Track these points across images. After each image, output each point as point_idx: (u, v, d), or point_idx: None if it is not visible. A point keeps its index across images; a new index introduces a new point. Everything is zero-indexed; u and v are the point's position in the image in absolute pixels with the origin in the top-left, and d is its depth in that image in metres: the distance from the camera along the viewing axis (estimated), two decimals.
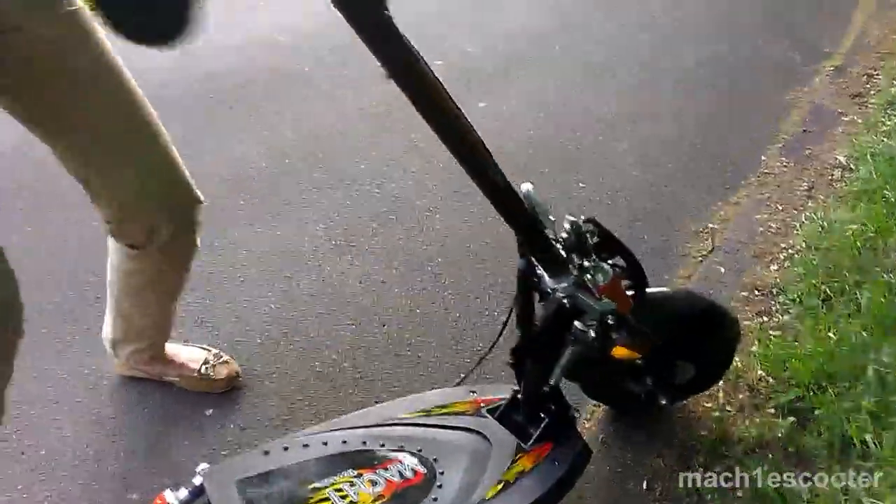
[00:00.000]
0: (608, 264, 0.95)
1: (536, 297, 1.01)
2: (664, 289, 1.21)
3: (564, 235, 0.94)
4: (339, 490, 0.90)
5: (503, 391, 1.13)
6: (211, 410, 1.37)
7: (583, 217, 0.94)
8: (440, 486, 0.96)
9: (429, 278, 1.73)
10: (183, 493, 0.91)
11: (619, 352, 1.04)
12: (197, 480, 0.91)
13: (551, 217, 0.93)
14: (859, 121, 2.41)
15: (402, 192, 2.04)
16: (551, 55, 2.88)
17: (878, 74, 2.76)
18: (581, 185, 2.10)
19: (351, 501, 0.90)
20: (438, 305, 1.65)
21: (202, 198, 1.14)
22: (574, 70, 2.76)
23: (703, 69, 2.80)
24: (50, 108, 0.97)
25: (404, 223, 1.92)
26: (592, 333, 0.95)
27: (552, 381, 1.04)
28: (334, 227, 1.90)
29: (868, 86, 2.69)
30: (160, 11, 0.62)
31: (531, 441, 1.05)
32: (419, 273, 1.75)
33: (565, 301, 0.94)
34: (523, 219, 0.90)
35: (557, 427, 1.07)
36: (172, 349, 1.39)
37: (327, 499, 0.89)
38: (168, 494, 0.90)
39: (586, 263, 0.92)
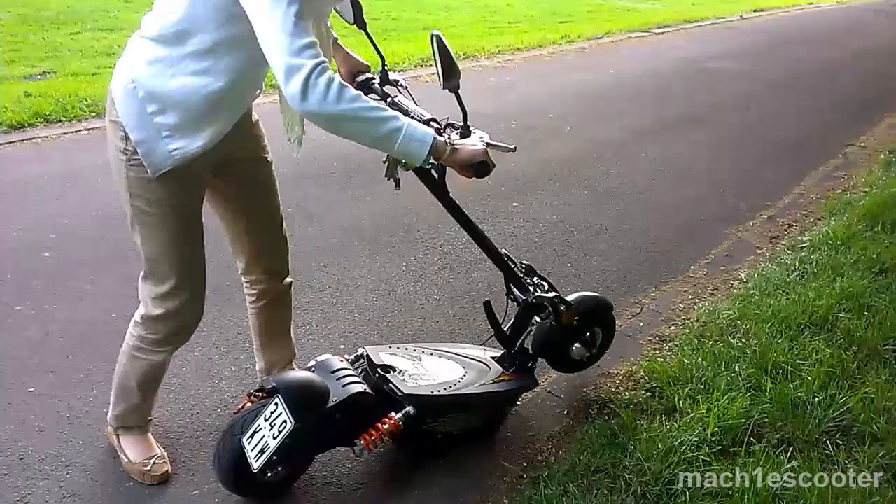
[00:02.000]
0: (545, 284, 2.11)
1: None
2: (595, 293, 2.34)
3: (524, 267, 2.10)
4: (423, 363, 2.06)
5: (500, 350, 2.26)
6: (343, 346, 2.53)
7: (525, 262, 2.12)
8: (463, 377, 2.08)
9: (466, 301, 2.91)
10: (351, 356, 2.05)
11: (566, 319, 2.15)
12: (360, 351, 2.05)
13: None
14: (767, 254, 3.56)
15: (449, 247, 3.25)
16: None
17: (796, 225, 3.92)
18: (569, 265, 3.28)
19: (426, 368, 2.04)
20: (469, 309, 2.81)
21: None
22: (581, 193, 4.00)
23: (671, 206, 4.02)
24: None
25: (455, 269, 3.11)
26: (548, 320, 2.10)
27: (520, 344, 2.16)
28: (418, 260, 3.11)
29: (786, 232, 3.84)
30: None
31: (510, 370, 2.17)
32: (460, 298, 2.93)
33: (534, 300, 2.09)
34: (508, 270, 2.05)
35: (523, 369, 2.20)
36: None
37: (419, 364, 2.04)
38: (346, 356, 2.05)
39: (536, 280, 2.09)
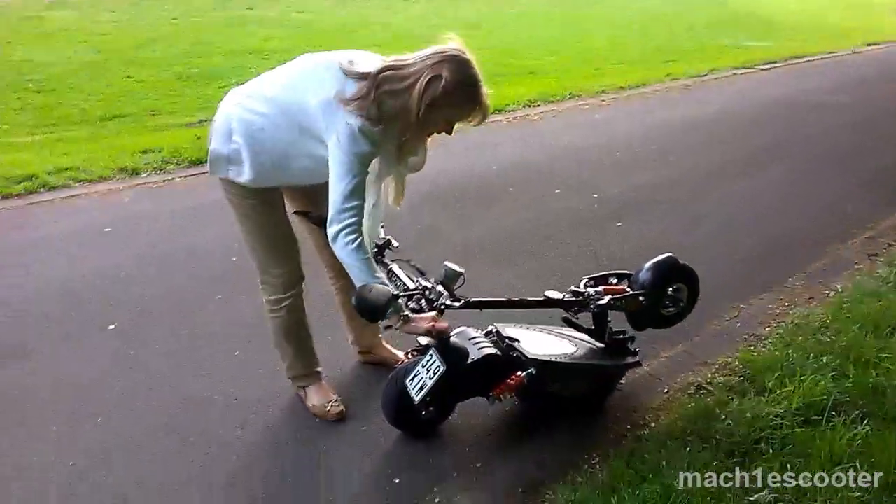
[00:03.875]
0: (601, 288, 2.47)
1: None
2: (659, 257, 2.53)
3: (570, 292, 2.46)
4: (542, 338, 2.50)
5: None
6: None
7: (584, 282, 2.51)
8: (576, 351, 2.51)
9: None
10: (483, 331, 2.52)
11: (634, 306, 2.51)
12: (490, 327, 2.53)
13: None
14: (864, 269, 3.75)
15: (560, 258, 3.70)
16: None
17: (895, 244, 4.07)
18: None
19: (545, 342, 2.48)
20: None
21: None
22: (682, 216, 4.35)
23: (771, 227, 4.28)
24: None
25: (563, 275, 3.56)
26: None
27: (609, 337, 2.53)
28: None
29: (884, 249, 4.00)
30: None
31: (608, 349, 2.57)
32: None
33: (597, 310, 2.43)
34: (560, 305, 2.44)
35: (624, 352, 2.58)
36: None
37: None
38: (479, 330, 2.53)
39: (590, 293, 2.44)
